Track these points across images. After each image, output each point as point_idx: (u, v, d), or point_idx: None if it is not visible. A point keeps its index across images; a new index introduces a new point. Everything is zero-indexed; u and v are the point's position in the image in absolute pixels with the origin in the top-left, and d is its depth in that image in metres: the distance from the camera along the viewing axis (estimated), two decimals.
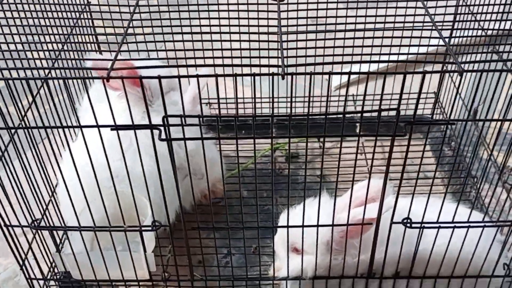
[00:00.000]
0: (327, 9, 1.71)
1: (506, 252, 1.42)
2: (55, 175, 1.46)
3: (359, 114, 1.06)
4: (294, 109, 1.10)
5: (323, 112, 1.03)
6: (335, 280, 1.41)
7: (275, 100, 2.21)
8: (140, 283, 1.50)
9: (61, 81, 1.43)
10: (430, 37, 1.60)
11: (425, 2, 1.28)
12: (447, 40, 2.01)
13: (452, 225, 1.27)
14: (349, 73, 0.99)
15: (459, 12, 1.84)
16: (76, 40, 1.68)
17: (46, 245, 1.47)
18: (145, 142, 1.29)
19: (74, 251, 1.37)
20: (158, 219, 1.35)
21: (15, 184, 1.28)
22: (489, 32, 1.40)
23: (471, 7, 1.62)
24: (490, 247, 1.34)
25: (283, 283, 1.54)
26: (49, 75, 1.21)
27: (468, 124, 1.89)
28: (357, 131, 2.12)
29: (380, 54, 1.65)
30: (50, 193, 1.51)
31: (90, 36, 1.86)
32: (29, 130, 1.25)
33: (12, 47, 1.30)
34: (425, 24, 1.52)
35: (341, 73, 0.98)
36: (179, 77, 1.02)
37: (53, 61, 1.33)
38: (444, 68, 1.88)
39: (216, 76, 1.00)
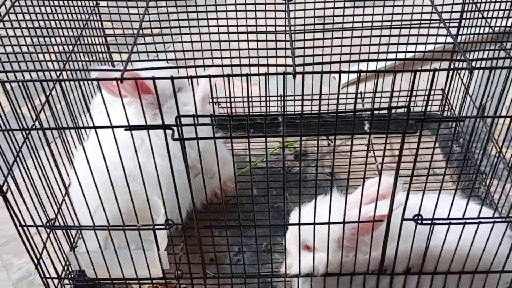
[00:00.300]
0: (334, 8, 1.72)
1: None
2: (68, 174, 1.48)
3: (367, 112, 1.06)
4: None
5: (334, 110, 1.04)
6: (346, 276, 1.42)
7: (282, 99, 2.23)
8: (154, 281, 1.52)
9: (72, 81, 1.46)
10: (437, 35, 1.61)
11: None
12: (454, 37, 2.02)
13: (463, 221, 1.28)
14: (359, 72, 1.00)
15: (466, 9, 1.84)
16: (85, 42, 1.70)
17: (60, 244, 1.49)
18: (156, 142, 1.31)
19: (89, 250, 1.38)
20: (169, 218, 1.36)
21: (30, 184, 1.29)
22: (497, 29, 1.41)
23: (478, 4, 1.63)
24: (500, 243, 1.34)
25: (295, 280, 1.56)
26: (61, 76, 1.22)
27: (476, 121, 1.89)
28: (365, 129, 2.14)
29: (387, 52, 1.65)
30: (64, 193, 1.53)
31: (100, 38, 1.88)
32: (43, 131, 1.27)
33: (23, 49, 1.32)
34: (432, 21, 1.53)
35: (352, 72, 0.99)
36: (191, 77, 1.03)
37: (64, 62, 1.35)
38: (452, 65, 1.88)
39: (228, 76, 1.02)
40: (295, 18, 1.41)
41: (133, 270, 1.42)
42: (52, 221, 1.36)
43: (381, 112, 2.14)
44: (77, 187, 1.33)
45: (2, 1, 1.48)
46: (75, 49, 1.46)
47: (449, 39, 1.12)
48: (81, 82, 1.15)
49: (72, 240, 1.46)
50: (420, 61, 2.40)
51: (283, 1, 1.32)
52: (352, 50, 1.73)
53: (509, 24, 1.42)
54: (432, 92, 2.23)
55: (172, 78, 1.04)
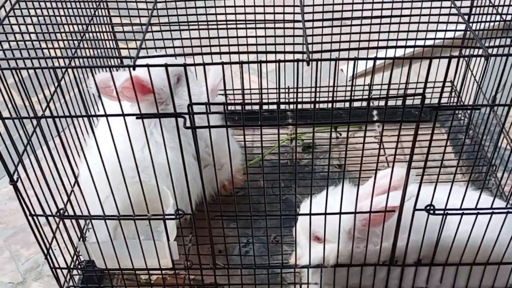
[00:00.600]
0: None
1: None
2: (76, 164, 1.48)
3: (375, 103, 1.05)
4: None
5: (348, 99, 1.03)
6: (356, 267, 1.41)
7: (284, 90, 2.22)
8: (163, 271, 1.51)
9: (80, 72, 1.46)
10: (447, 22, 1.59)
11: None
12: (464, 27, 2.00)
13: (475, 211, 1.27)
14: (375, 59, 0.98)
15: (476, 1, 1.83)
16: (93, 35, 1.69)
17: (69, 234, 1.48)
18: (165, 136, 1.30)
19: (98, 240, 1.38)
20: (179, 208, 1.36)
21: (40, 174, 1.29)
22: (508, 17, 1.39)
23: None
24: None
25: (305, 271, 1.55)
26: (72, 63, 1.21)
27: (486, 112, 1.88)
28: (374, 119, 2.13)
29: (396, 39, 1.64)
30: (73, 182, 1.52)
31: (107, 32, 1.87)
32: (53, 119, 1.26)
33: (30, 42, 1.31)
34: (443, 10, 1.51)
35: (369, 59, 0.98)
36: (203, 64, 1.02)
37: (73, 52, 1.34)
38: (465, 54, 1.87)
39: (241, 63, 1.00)
40: (306, 6, 1.40)
41: (142, 260, 1.42)
42: (62, 211, 1.35)
43: (391, 101, 2.13)
44: (88, 176, 1.32)
45: None
46: (82, 42, 1.44)
47: (460, 31, 1.11)
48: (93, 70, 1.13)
49: (81, 230, 1.46)
50: (429, 52, 2.39)
51: None
52: (361, 41, 1.72)
53: None
54: (441, 84, 2.22)
55: (185, 65, 1.03)
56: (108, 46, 1.84)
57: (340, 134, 2.20)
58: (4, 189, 2.10)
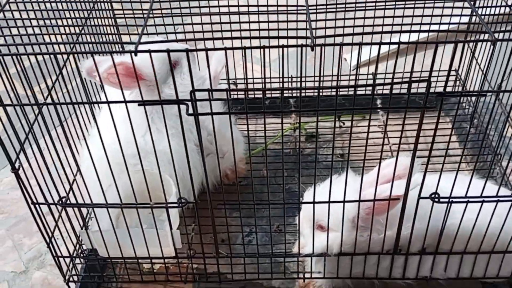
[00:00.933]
0: None
1: None
2: (78, 153, 1.47)
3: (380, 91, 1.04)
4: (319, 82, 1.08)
5: (352, 85, 1.01)
6: (360, 256, 1.40)
7: (287, 79, 2.20)
8: (166, 260, 1.51)
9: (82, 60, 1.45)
10: (453, 7, 1.57)
11: None
12: (469, 17, 1.98)
13: (481, 199, 1.26)
14: (380, 43, 0.97)
15: None
16: (95, 21, 1.68)
17: (72, 223, 1.48)
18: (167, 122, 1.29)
19: (101, 228, 1.37)
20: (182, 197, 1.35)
21: (42, 162, 1.28)
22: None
23: None
24: None
25: (308, 260, 1.55)
26: (74, 50, 1.20)
27: (491, 101, 1.86)
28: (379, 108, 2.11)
29: (401, 24, 1.62)
30: (75, 171, 1.52)
31: (108, 19, 1.85)
32: (55, 107, 1.25)
33: (30, 31, 1.30)
34: None
35: (371, 44, 0.96)
36: (206, 50, 1.01)
37: (76, 38, 1.33)
38: (471, 39, 1.85)
39: (244, 48, 0.99)
40: None
41: (145, 249, 1.41)
42: (64, 199, 1.35)
43: (394, 90, 2.11)
44: (89, 165, 1.31)
45: None
46: (84, 31, 1.43)
47: (465, 16, 1.09)
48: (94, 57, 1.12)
49: (84, 219, 1.45)
50: (439, 38, 2.37)
51: None
52: (365, 30, 1.70)
53: None
54: (446, 73, 2.20)
55: (187, 51, 1.02)
56: (109, 32, 1.82)
57: (344, 124, 2.19)
58: (6, 178, 2.10)
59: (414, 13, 1.54)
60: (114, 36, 1.83)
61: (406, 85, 1.03)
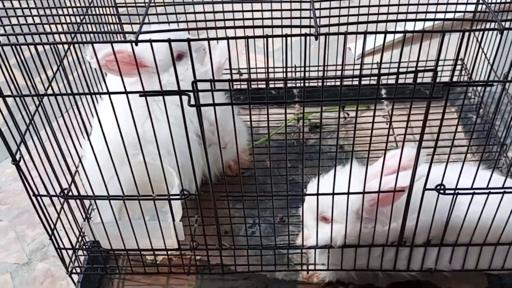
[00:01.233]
0: None
1: None
2: (80, 145, 1.46)
3: (391, 76, 1.02)
4: (323, 71, 1.07)
5: (357, 75, 0.99)
6: (364, 248, 1.39)
7: (291, 69, 2.18)
8: (169, 252, 1.50)
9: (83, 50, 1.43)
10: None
11: None
12: (475, 5, 1.95)
13: (487, 191, 1.24)
14: (385, 32, 0.95)
15: None
16: (96, 9, 1.66)
17: (74, 215, 1.47)
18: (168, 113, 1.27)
19: (103, 220, 1.37)
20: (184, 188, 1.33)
21: (44, 154, 1.27)
22: None
23: None
24: None
25: (311, 252, 1.53)
26: (75, 39, 1.18)
27: (497, 91, 1.84)
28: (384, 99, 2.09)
29: (406, 13, 1.59)
30: (77, 163, 1.51)
31: (110, 8, 1.83)
32: (56, 98, 1.24)
33: (30, 21, 1.28)
34: None
35: (376, 33, 0.94)
36: (208, 39, 0.99)
37: (77, 27, 1.31)
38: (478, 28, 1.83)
39: (247, 37, 0.97)
40: None
41: (148, 241, 1.41)
42: (66, 191, 1.34)
43: (399, 80, 2.09)
44: (90, 157, 1.30)
45: None
46: (85, 20, 1.41)
47: (472, 4, 1.06)
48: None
49: (86, 210, 1.44)
50: (444, 27, 2.34)
51: None
52: (371, 14, 1.68)
53: None
54: (453, 62, 2.17)
55: (188, 40, 1.00)
56: (111, 22, 1.80)
57: (348, 114, 2.17)
58: (8, 169, 2.09)
59: (419, 1, 1.51)
60: (115, 23, 1.81)
61: (411, 75, 1.01)
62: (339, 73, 2.20)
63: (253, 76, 2.12)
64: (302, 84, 2.14)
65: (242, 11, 1.12)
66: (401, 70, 2.10)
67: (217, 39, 1.00)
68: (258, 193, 1.31)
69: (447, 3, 1.24)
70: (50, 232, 1.43)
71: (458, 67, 2.20)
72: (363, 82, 2.17)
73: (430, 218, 1.32)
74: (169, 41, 0.99)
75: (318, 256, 1.50)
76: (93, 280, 1.61)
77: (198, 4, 1.41)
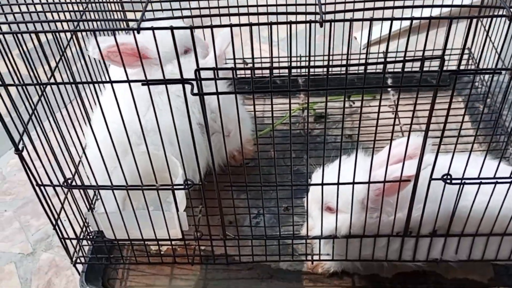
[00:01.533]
0: None
1: None
2: (84, 135, 1.45)
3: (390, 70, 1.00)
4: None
5: (362, 63, 0.98)
6: (369, 238, 1.38)
7: (296, 59, 2.16)
8: (173, 242, 1.49)
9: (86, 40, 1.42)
10: None
11: None
12: None
13: (494, 181, 1.22)
14: (392, 19, 0.93)
15: None
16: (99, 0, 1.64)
17: (78, 205, 1.47)
18: (165, 99, 1.25)
19: (107, 210, 1.36)
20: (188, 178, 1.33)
21: (47, 145, 1.27)
22: None
23: None
24: None
25: (316, 242, 1.53)
26: (78, 28, 1.17)
27: (505, 81, 1.82)
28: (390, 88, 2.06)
29: (412, 7, 1.57)
30: (81, 153, 1.50)
31: None
32: (58, 87, 1.23)
33: (33, 9, 1.27)
34: None
35: (382, 19, 0.93)
36: (211, 27, 0.98)
37: (81, 14, 1.30)
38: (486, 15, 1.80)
39: (251, 25, 0.95)
40: None
41: (152, 231, 1.40)
42: (69, 181, 1.33)
43: (406, 68, 2.06)
44: (94, 147, 1.29)
45: None
46: (88, 8, 1.40)
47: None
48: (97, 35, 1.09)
49: (90, 201, 1.44)
50: (452, 15, 2.31)
51: None
52: (376, 5, 1.65)
53: None
54: (459, 51, 2.14)
55: (191, 28, 0.98)
56: (114, 10, 1.79)
57: (353, 103, 2.15)
58: (13, 160, 2.09)
59: None
60: (118, 11, 1.79)
61: (418, 63, 0.99)
62: (344, 62, 2.18)
63: (258, 65, 2.11)
64: (306, 73, 2.12)
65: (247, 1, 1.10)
66: (407, 58, 2.09)
67: (221, 26, 0.98)
68: (262, 183, 1.30)
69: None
70: (54, 222, 1.43)
71: (465, 57, 2.17)
72: (369, 71, 2.15)
73: (436, 208, 1.30)
74: (171, 28, 0.97)
75: (323, 246, 1.49)
76: (97, 270, 1.61)
77: None
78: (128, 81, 1.09)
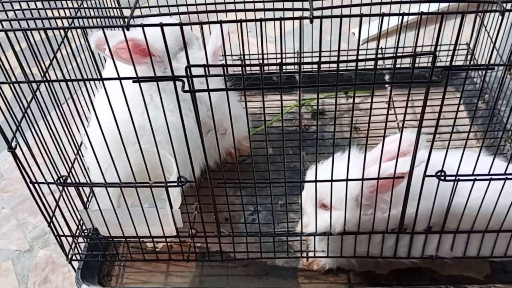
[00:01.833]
0: None
1: None
2: (79, 132, 1.45)
3: (389, 61, 0.99)
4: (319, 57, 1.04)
5: (354, 59, 0.97)
6: (364, 235, 1.38)
7: (298, 54, 2.15)
8: (168, 239, 1.49)
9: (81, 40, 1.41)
10: None
11: None
12: None
13: (488, 177, 1.22)
14: (382, 15, 0.92)
15: None
16: None
17: (74, 203, 1.47)
18: (164, 99, 1.25)
19: (101, 208, 1.36)
20: (182, 176, 1.32)
21: (41, 143, 1.27)
22: None
23: None
24: None
25: (311, 239, 1.52)
26: (69, 32, 1.16)
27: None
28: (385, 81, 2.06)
29: (410, 2, 1.56)
30: (75, 151, 1.50)
31: None
32: (52, 86, 1.23)
33: (24, 5, 1.26)
34: None
35: (375, 16, 0.92)
36: (201, 23, 0.97)
37: (75, 11, 1.30)
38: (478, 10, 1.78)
39: (241, 21, 0.95)
40: None
41: (146, 228, 1.40)
42: (64, 178, 1.33)
43: (403, 64, 2.06)
44: (89, 145, 1.29)
45: None
46: (83, 5, 1.40)
47: None
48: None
49: (83, 198, 1.44)
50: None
51: None
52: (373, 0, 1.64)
53: None
54: (458, 47, 2.13)
55: (181, 25, 0.98)
56: (109, 7, 1.79)
57: (350, 97, 2.14)
58: (10, 158, 2.09)
59: None
60: (113, 8, 1.79)
61: (422, 60, 0.98)
62: (342, 58, 2.18)
63: (248, 62, 2.10)
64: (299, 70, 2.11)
65: None
66: (399, 54, 2.08)
67: (210, 23, 0.97)
68: (256, 180, 1.30)
69: None
70: (48, 219, 1.43)
71: (464, 52, 2.16)
72: (367, 67, 2.15)
73: (431, 205, 1.30)
74: (161, 25, 0.97)
75: (318, 243, 1.49)
76: (93, 267, 1.61)
77: None
78: (119, 78, 1.09)
